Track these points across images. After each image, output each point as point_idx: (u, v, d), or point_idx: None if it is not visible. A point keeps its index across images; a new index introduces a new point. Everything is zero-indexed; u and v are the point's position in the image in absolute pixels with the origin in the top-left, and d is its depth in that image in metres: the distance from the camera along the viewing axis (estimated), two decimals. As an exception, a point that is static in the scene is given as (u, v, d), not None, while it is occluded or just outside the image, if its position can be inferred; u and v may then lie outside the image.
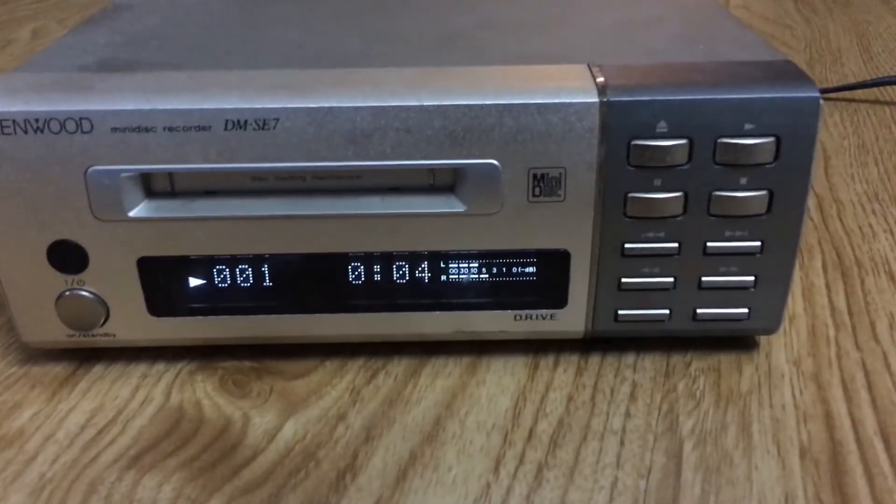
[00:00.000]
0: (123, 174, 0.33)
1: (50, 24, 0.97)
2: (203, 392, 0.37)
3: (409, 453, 0.34)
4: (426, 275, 0.37)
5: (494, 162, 0.34)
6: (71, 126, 0.33)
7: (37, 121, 0.33)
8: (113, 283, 0.36)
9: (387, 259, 0.36)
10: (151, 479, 0.33)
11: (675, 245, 0.35)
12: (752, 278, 0.36)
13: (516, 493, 0.32)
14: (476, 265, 0.36)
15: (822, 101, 0.33)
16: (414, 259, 0.36)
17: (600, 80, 0.34)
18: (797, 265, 0.46)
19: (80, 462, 0.33)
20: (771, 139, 0.33)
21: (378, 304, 0.37)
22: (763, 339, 0.40)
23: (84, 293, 0.36)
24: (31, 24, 0.97)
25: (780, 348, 0.39)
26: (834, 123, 0.65)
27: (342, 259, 0.36)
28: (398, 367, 0.39)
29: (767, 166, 0.34)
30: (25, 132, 0.33)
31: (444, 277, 0.37)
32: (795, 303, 0.43)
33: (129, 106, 0.33)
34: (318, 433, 0.35)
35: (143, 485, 0.32)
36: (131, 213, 0.34)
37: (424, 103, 0.33)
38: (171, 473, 0.33)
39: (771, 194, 0.34)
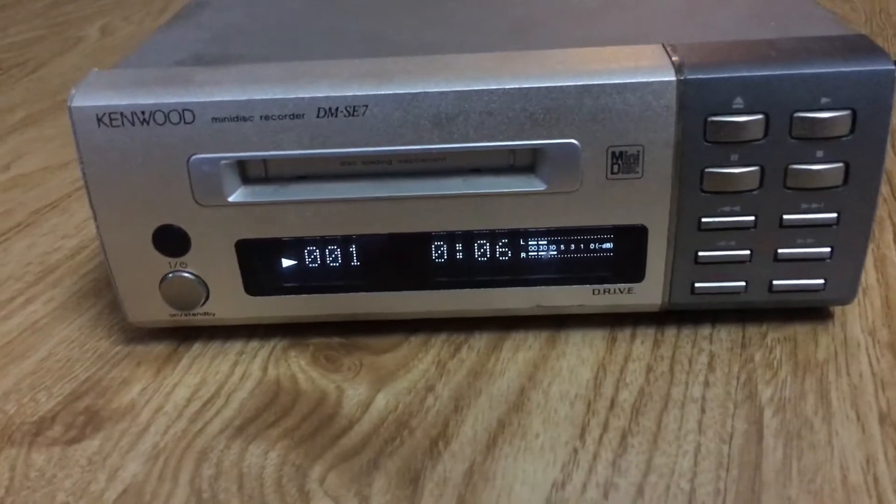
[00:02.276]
0: (223, 161, 0.36)
1: (116, 20, 1.01)
2: (297, 367, 0.39)
3: (497, 421, 0.35)
4: (507, 252, 0.38)
5: (574, 141, 0.35)
6: (174, 117, 0.35)
7: (143, 113, 0.35)
8: (213, 264, 0.38)
9: (469, 237, 0.38)
10: (257, 447, 0.35)
11: (752, 218, 0.36)
12: (828, 249, 0.37)
13: (603, 459, 0.33)
14: (555, 242, 0.38)
15: (897, 74, 0.34)
16: (495, 237, 0.38)
17: (676, 58, 0.35)
18: (868, 237, 0.46)
19: (190, 432, 0.36)
20: (847, 112, 0.34)
21: (460, 281, 0.39)
22: (837, 310, 0.41)
23: (186, 275, 0.38)
24: (99, 21, 1.01)
25: (854, 319, 0.40)
26: (899, 96, 0.65)
27: (426, 238, 0.38)
28: (480, 341, 0.40)
29: (843, 139, 0.35)
30: (133, 124, 0.35)
31: (524, 254, 0.38)
32: (868, 274, 0.43)
33: (228, 97, 0.35)
34: (409, 404, 0.37)
35: (251, 452, 0.34)
36: (230, 199, 0.36)
37: (506, 87, 0.34)
38: (274, 442, 0.35)
39: (847, 166, 0.35)
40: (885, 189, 0.52)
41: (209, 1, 0.50)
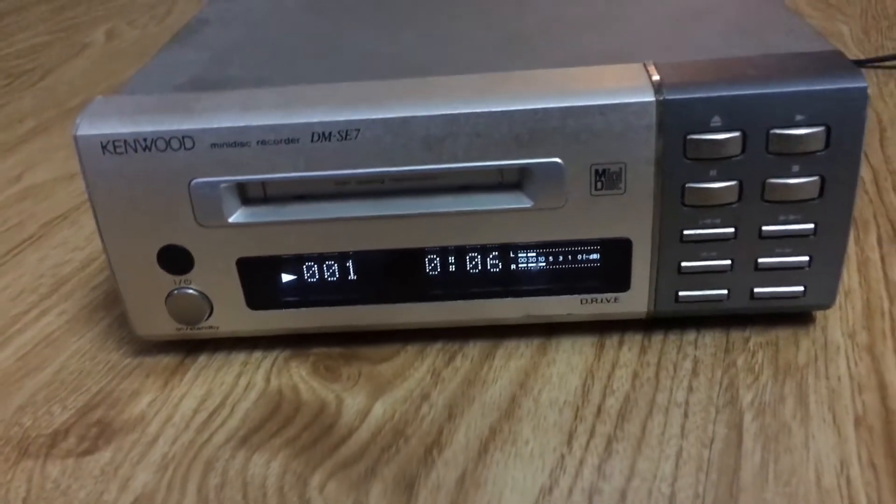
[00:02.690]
0: (222, 185, 0.37)
1: (121, 24, 1.02)
2: (299, 377, 0.41)
3: (489, 429, 0.37)
4: (497, 265, 0.40)
5: (558, 160, 0.36)
6: (175, 144, 0.36)
7: (145, 140, 0.36)
8: (215, 281, 0.40)
9: (460, 252, 0.39)
10: (260, 456, 0.37)
11: (732, 230, 0.38)
12: (806, 258, 0.38)
13: (589, 464, 0.35)
14: (543, 255, 0.39)
15: (869, 91, 0.35)
16: (485, 251, 0.39)
17: (656, 78, 0.36)
18: (852, 240, 0.48)
19: (197, 443, 0.38)
20: (821, 128, 0.35)
21: (453, 293, 0.40)
22: (819, 314, 0.42)
23: (190, 291, 0.40)
24: (104, 25, 1.02)
25: (835, 322, 0.41)
26: (889, 93, 0.66)
27: (419, 253, 0.39)
28: (474, 350, 0.42)
29: (818, 154, 0.36)
30: (136, 151, 0.37)
31: (513, 267, 0.40)
32: (850, 277, 0.45)
33: (226, 123, 0.36)
34: (405, 412, 0.38)
35: (254, 462, 0.36)
36: (230, 219, 0.38)
37: (492, 109, 0.36)
38: (277, 451, 0.37)
39: (822, 179, 0.36)
40: (870, 189, 0.53)
41: (209, 18, 0.51)
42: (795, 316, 0.42)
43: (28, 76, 0.87)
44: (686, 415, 0.37)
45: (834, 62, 0.36)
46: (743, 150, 0.36)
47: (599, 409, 0.38)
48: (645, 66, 0.37)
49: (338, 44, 0.45)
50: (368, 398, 0.39)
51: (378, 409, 0.39)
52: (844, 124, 0.35)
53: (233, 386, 0.41)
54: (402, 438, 0.37)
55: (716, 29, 0.42)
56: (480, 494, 0.34)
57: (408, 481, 0.35)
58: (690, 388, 0.38)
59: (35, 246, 0.55)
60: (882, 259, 0.46)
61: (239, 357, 0.43)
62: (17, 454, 0.38)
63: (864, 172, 0.55)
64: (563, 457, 0.35)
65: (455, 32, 0.45)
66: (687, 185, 0.37)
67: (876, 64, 0.71)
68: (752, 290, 0.39)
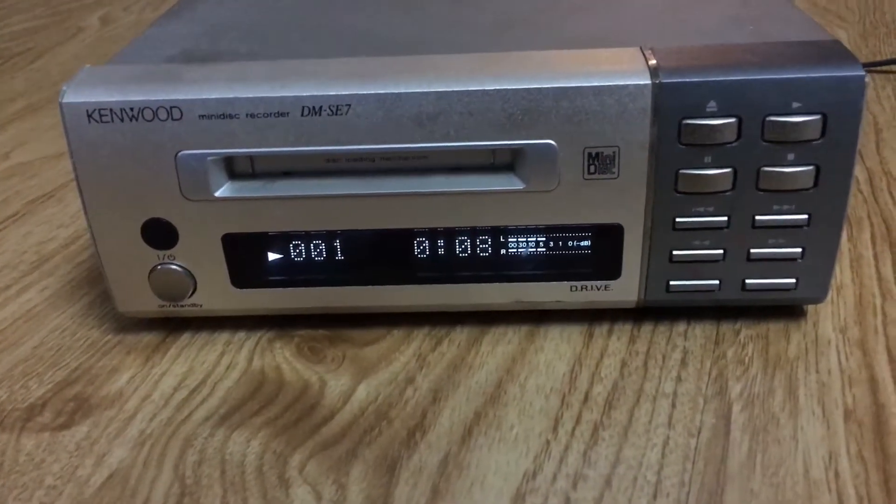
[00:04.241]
0: (210, 158, 0.36)
1: (116, 10, 1.01)
2: (282, 357, 0.40)
3: (474, 413, 0.36)
4: (487, 248, 0.39)
5: (551, 142, 0.36)
6: (162, 114, 0.36)
7: (132, 110, 0.36)
8: (200, 257, 0.39)
9: (450, 234, 0.39)
10: (240, 435, 0.36)
11: (725, 219, 0.37)
12: (799, 250, 0.38)
13: (574, 450, 0.34)
14: (534, 239, 0.39)
15: (867, 80, 0.35)
16: (475, 234, 0.39)
17: (652, 62, 0.36)
18: (846, 237, 0.47)
19: (176, 420, 0.37)
20: (817, 117, 0.35)
21: (442, 276, 0.40)
22: (810, 308, 0.42)
23: (174, 267, 0.39)
24: (99, 11, 1.01)
25: (827, 317, 0.41)
26: (886, 97, 0.66)
27: (409, 234, 0.39)
28: (461, 335, 0.41)
29: (814, 142, 0.35)
30: (122, 120, 0.36)
31: (503, 251, 0.39)
32: (843, 273, 0.44)
33: (215, 95, 0.36)
34: (388, 395, 0.38)
35: (233, 440, 0.36)
36: (217, 194, 0.37)
37: (486, 88, 0.35)
38: (257, 430, 0.36)
39: (818, 169, 0.36)
40: (865, 189, 0.53)
41: (203, -4, 0.51)
42: (787, 309, 0.41)
43: (21, 58, 0.86)
44: (674, 404, 0.36)
45: (832, 51, 0.36)
46: (738, 137, 0.35)
47: (586, 397, 0.37)
48: (642, 49, 0.37)
49: (332, 23, 0.44)
50: (352, 380, 0.39)
51: (361, 392, 0.38)
52: (841, 113, 0.35)
53: (214, 365, 0.40)
54: (385, 421, 0.36)
55: (714, 17, 0.41)
56: (463, 477, 0.33)
57: (389, 463, 0.34)
58: (679, 379, 0.38)
59: (19, 223, 0.54)
60: (875, 257, 0.46)
61: (222, 337, 0.42)
62: (-9, 427, 0.37)
63: (859, 173, 0.55)
64: (548, 442, 0.35)
65: (450, 15, 0.44)
66: (681, 171, 0.36)
67: (873, 68, 0.71)
68: (743, 282, 0.39)
